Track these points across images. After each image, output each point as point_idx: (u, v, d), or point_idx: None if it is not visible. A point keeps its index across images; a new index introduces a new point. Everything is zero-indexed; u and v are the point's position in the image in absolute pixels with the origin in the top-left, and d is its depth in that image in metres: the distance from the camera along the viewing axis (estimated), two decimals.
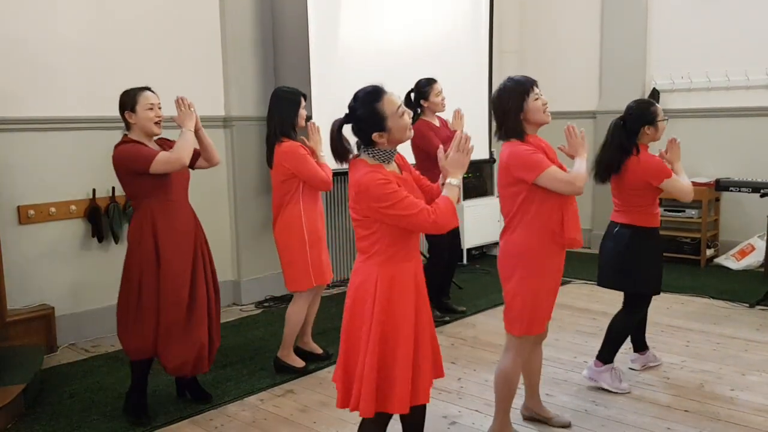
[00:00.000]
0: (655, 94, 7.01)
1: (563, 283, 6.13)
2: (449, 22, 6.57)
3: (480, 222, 7.02)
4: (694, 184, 6.54)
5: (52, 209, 4.60)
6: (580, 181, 2.90)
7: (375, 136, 2.43)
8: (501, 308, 5.34)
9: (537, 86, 2.97)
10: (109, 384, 4.02)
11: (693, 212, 6.64)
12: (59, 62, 4.61)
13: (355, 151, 2.53)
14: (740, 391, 3.76)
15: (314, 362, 4.27)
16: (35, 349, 4.24)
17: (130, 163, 3.32)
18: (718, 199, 6.86)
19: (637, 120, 3.69)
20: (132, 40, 4.96)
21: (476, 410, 3.59)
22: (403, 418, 2.66)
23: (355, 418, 3.50)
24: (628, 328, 3.87)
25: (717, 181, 5.93)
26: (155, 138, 3.51)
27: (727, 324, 4.92)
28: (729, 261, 6.60)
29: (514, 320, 3.03)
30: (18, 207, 4.48)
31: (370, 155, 2.47)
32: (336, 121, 2.49)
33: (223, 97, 5.55)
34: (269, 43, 5.77)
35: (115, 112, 4.84)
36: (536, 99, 2.94)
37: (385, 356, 2.44)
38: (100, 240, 4.82)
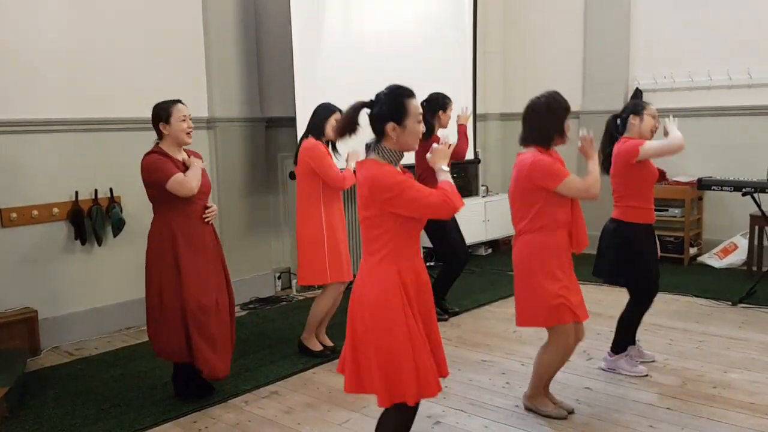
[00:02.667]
0: (638, 93, 7.06)
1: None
2: (433, 23, 6.59)
3: (466, 222, 7.01)
4: (677, 183, 6.70)
5: (35, 212, 4.58)
6: (595, 188, 3.23)
7: (389, 127, 2.49)
8: (486, 308, 5.48)
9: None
10: (93, 387, 4.00)
11: (676, 211, 6.69)
12: (41, 64, 4.59)
13: (363, 143, 2.60)
14: (722, 388, 3.79)
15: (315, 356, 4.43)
16: (18, 352, 4.21)
17: (153, 173, 3.51)
18: (701, 198, 6.92)
19: (628, 111, 3.94)
20: (114, 43, 4.94)
21: (461, 410, 3.61)
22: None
23: (339, 419, 3.52)
24: (638, 319, 4.06)
25: (699, 180, 5.97)
26: (185, 147, 3.68)
27: (709, 322, 4.97)
28: (712, 259, 6.66)
29: (539, 314, 3.29)
30: (0, 210, 4.44)
31: (380, 155, 2.53)
32: (359, 101, 2.55)
33: (206, 98, 5.54)
34: (252, 44, 5.76)
35: (97, 114, 4.88)
36: (568, 119, 3.26)
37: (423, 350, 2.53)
38: (83, 242, 4.79)
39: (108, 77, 4.92)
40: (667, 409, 3.55)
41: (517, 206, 3.31)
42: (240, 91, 5.69)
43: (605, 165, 3.96)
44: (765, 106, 6.45)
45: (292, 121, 5.52)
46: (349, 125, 2.54)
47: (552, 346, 3.39)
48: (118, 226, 4.89)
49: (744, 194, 5.55)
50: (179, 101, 3.63)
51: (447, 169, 2.66)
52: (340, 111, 4.26)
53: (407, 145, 2.54)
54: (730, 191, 5.74)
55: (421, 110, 2.56)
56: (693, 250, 6.80)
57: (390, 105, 2.50)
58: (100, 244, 4.87)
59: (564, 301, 3.25)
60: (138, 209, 5.05)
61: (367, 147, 2.58)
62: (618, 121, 3.99)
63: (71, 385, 4.04)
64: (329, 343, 4.52)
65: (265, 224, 6.00)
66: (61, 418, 3.59)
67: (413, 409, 2.61)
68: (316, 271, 4.26)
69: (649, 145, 3.80)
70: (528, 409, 3.57)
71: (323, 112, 4.29)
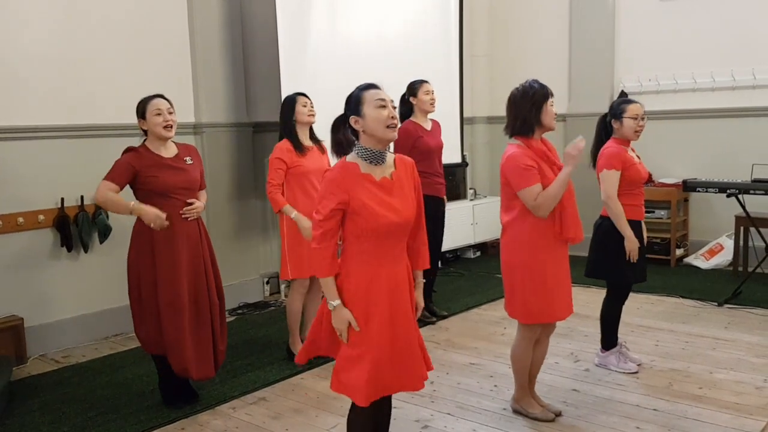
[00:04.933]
0: (623, 96, 7.09)
1: None
2: (420, 26, 6.61)
3: (454, 225, 7.04)
4: (663, 184, 6.74)
5: (20, 219, 4.55)
6: (543, 209, 3.16)
7: (352, 120, 2.52)
8: (474, 311, 5.48)
9: (553, 96, 3.29)
10: (80, 395, 3.98)
11: (662, 213, 6.73)
12: (25, 70, 4.56)
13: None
14: (708, 389, 3.82)
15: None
16: (4, 360, 4.18)
17: (111, 168, 3.53)
18: (686, 200, 6.96)
19: (610, 114, 4.04)
20: (99, 48, 4.92)
21: (448, 413, 3.61)
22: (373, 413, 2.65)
23: (327, 424, 3.51)
24: (617, 313, 4.15)
25: (684, 182, 6.01)
26: (172, 141, 3.68)
27: (696, 323, 5.00)
28: (698, 260, 6.71)
29: (516, 310, 3.34)
30: None
31: (355, 152, 2.54)
32: (335, 119, 2.62)
33: (192, 104, 5.52)
34: (239, 49, 5.76)
35: (83, 120, 4.87)
36: (551, 105, 3.26)
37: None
38: (69, 249, 4.77)
39: (93, 83, 4.90)
40: (654, 410, 3.57)
41: (503, 199, 3.34)
42: (227, 95, 5.68)
43: (594, 165, 4.05)
44: (749, 108, 6.51)
45: (279, 126, 5.50)
46: (339, 144, 2.58)
47: (519, 338, 3.44)
48: (105, 232, 4.87)
49: (729, 195, 5.59)
50: (159, 96, 3.63)
51: (336, 304, 2.54)
52: (304, 95, 4.35)
53: (377, 133, 2.48)
54: (715, 193, 5.78)
55: (382, 96, 2.50)
56: (679, 252, 6.85)
57: (349, 101, 2.56)
58: (86, 251, 4.84)
59: (541, 302, 3.26)
60: (124, 216, 5.02)
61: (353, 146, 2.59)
62: (606, 121, 4.08)
63: (58, 393, 4.02)
64: None
65: (253, 229, 5.99)
66: (48, 427, 3.56)
67: (365, 409, 2.57)
68: (283, 266, 4.33)
69: (606, 178, 3.86)
70: (515, 411, 3.58)
71: (287, 105, 4.33)
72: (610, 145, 3.97)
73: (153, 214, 3.45)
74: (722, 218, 6.60)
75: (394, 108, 2.55)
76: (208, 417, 3.67)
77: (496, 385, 3.97)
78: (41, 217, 4.66)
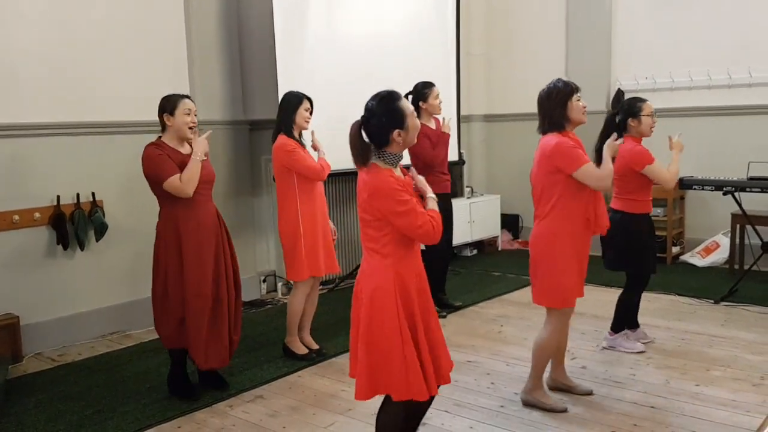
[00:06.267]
0: (619, 94, 7.11)
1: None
2: (417, 24, 6.61)
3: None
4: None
5: (16, 217, 4.53)
6: (607, 180, 3.39)
7: (395, 134, 2.54)
8: (471, 309, 5.49)
9: (579, 91, 3.44)
10: (76, 393, 3.97)
11: (659, 210, 6.73)
12: (21, 68, 4.54)
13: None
14: (705, 386, 3.82)
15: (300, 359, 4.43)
16: (0, 359, 4.16)
17: (151, 169, 3.61)
18: (683, 198, 6.98)
19: (625, 113, 4.20)
20: (96, 46, 4.90)
21: (445, 411, 3.61)
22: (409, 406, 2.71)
23: (325, 422, 3.51)
24: (633, 302, 4.41)
25: (681, 180, 6.02)
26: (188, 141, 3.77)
27: (692, 320, 5.01)
28: (694, 258, 6.72)
29: (550, 295, 3.48)
30: None
31: (382, 159, 2.57)
32: (355, 123, 2.58)
33: None
34: (235, 46, 5.75)
35: (79, 118, 4.84)
36: (578, 100, 3.42)
37: (412, 347, 2.56)
38: (65, 247, 4.75)
39: (89, 80, 4.88)
40: (651, 407, 3.58)
41: (539, 190, 3.46)
42: (223, 93, 5.67)
43: (597, 161, 4.04)
44: (745, 106, 6.52)
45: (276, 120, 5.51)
46: (361, 148, 2.57)
47: (551, 327, 3.55)
48: (101, 230, 4.86)
49: (725, 193, 5.60)
50: (187, 96, 3.75)
51: (434, 197, 2.70)
52: (308, 99, 4.32)
53: (411, 143, 2.62)
54: (712, 190, 5.79)
55: (412, 106, 2.63)
56: (676, 249, 6.86)
57: (388, 114, 2.54)
58: (82, 249, 4.83)
59: (575, 286, 3.45)
60: (121, 213, 5.03)
61: (368, 149, 2.59)
62: (617, 120, 4.20)
63: (54, 391, 4.01)
64: (314, 346, 4.50)
65: (249, 227, 5.98)
66: (44, 425, 3.56)
67: (401, 409, 2.65)
68: (295, 267, 4.27)
69: (653, 170, 4.11)
70: (527, 403, 3.63)
71: (291, 103, 4.27)
72: (631, 144, 4.14)
73: (202, 143, 3.68)
74: (718, 216, 6.62)
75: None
76: (205, 415, 3.66)
77: (493, 383, 3.98)
78: (37, 214, 4.64)
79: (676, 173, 3.96)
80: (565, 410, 3.56)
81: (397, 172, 2.62)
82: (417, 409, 2.80)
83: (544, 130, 3.47)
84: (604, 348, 4.41)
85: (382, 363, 2.56)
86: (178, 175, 3.58)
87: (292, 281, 4.45)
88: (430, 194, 2.70)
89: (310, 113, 4.31)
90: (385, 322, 2.55)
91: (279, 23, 5.42)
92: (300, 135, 4.33)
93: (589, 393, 3.74)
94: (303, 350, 4.43)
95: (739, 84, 6.53)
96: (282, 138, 4.23)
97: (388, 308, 2.55)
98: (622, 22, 7.19)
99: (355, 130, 2.56)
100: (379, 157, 2.58)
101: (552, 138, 3.40)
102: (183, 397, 3.82)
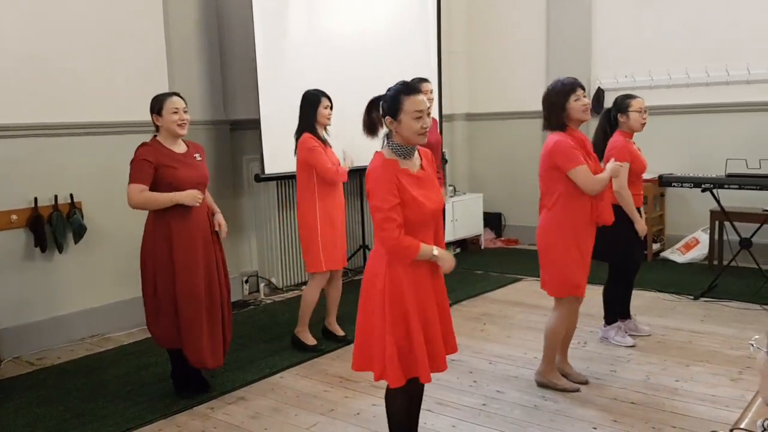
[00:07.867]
0: (599, 93, 7.15)
1: (514, 281, 6.24)
2: (397, 22, 6.60)
3: None
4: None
5: None
6: (594, 186, 3.48)
7: (387, 120, 2.62)
8: (454, 307, 5.48)
9: (581, 89, 3.54)
10: (55, 397, 3.92)
11: (639, 208, 6.77)
12: None
13: (384, 130, 2.69)
14: (684, 381, 3.86)
15: (332, 343, 4.65)
16: None
17: (131, 171, 3.58)
18: (663, 195, 7.03)
19: (615, 109, 4.41)
20: (73, 45, 4.85)
21: (428, 409, 3.60)
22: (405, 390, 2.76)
23: (307, 423, 3.50)
24: (618, 293, 4.54)
25: (660, 177, 6.06)
26: (183, 139, 3.79)
27: (672, 316, 5.05)
28: (675, 254, 6.77)
29: (553, 284, 3.63)
30: None
31: (390, 148, 2.64)
32: (371, 99, 2.69)
33: None
34: (215, 45, 5.71)
35: (57, 119, 4.79)
36: (577, 100, 3.51)
37: (400, 332, 2.63)
38: (43, 250, 4.70)
39: (67, 81, 4.83)
40: (631, 403, 3.60)
41: (544, 184, 3.60)
42: (203, 93, 5.63)
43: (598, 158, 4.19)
44: (723, 104, 6.58)
45: (256, 123, 5.49)
46: (369, 125, 2.68)
47: (558, 315, 3.72)
48: (79, 232, 4.81)
49: (703, 190, 5.65)
50: (175, 94, 3.75)
51: (438, 253, 2.66)
52: (326, 96, 4.43)
53: (407, 140, 2.62)
54: (691, 187, 5.83)
55: (422, 107, 2.59)
56: (656, 246, 6.91)
57: (389, 99, 2.61)
58: (61, 251, 4.77)
59: (579, 276, 3.59)
60: (99, 215, 4.98)
61: (386, 137, 2.68)
62: (611, 116, 4.41)
63: (33, 395, 3.96)
64: (340, 332, 4.69)
65: (231, 228, 5.90)
66: (22, 429, 3.51)
67: (401, 394, 2.76)
68: (312, 260, 4.42)
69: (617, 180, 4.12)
70: (541, 384, 3.82)
71: (310, 102, 4.39)
72: (617, 139, 4.31)
73: (191, 195, 3.62)
74: (698, 213, 6.68)
75: (429, 114, 2.65)
76: (186, 417, 3.64)
77: (475, 381, 3.98)
78: (14, 217, 4.58)
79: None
80: (577, 390, 3.74)
81: (409, 163, 2.64)
82: (417, 389, 2.88)
83: (549, 128, 3.60)
84: (600, 340, 4.55)
85: (367, 344, 2.70)
86: (143, 186, 3.54)
87: (308, 273, 4.56)
88: (437, 252, 2.66)
89: (330, 109, 4.43)
90: (373, 309, 2.65)
91: (259, 23, 5.39)
92: (325, 131, 4.47)
93: (585, 382, 3.85)
94: (312, 341, 4.54)
95: (717, 82, 6.59)
96: (305, 135, 4.36)
97: (376, 296, 2.64)
98: (601, 21, 7.24)
99: (367, 107, 2.69)
100: (389, 146, 2.65)
101: (554, 136, 3.53)
102: (194, 393, 3.84)
